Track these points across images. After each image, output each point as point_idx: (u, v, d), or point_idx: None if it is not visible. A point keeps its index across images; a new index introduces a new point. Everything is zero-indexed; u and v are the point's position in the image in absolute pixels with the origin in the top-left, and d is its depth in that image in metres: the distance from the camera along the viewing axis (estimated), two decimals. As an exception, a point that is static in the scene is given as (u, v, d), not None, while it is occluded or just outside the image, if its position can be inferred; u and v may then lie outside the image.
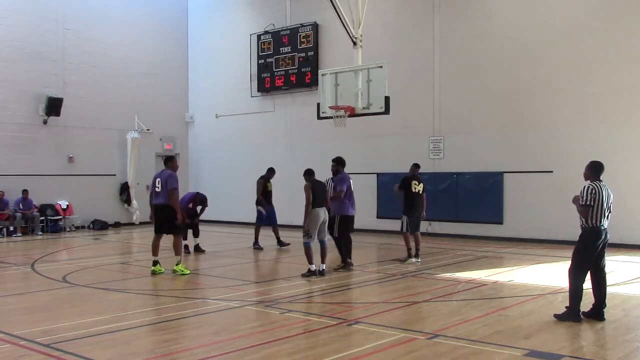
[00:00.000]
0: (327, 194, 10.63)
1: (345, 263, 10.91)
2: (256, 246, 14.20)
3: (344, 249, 11.03)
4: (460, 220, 16.54)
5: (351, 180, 11.19)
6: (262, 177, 14.59)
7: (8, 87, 18.44)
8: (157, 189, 10.55)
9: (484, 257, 12.80)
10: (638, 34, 14.02)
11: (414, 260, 11.75)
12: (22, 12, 18.77)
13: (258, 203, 14.38)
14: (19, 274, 11.37)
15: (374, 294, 9.31)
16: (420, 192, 11.98)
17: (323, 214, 10.31)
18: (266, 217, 14.40)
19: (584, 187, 7.06)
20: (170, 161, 10.89)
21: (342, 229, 10.90)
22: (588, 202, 6.94)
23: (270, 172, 14.74)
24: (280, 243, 14.43)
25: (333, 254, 11.36)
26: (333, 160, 11.26)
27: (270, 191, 14.60)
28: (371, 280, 10.17)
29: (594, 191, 6.97)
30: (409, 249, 11.81)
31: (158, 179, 10.58)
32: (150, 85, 21.82)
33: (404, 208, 11.91)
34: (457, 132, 16.60)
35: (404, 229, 11.81)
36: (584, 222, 7.07)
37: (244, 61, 21.14)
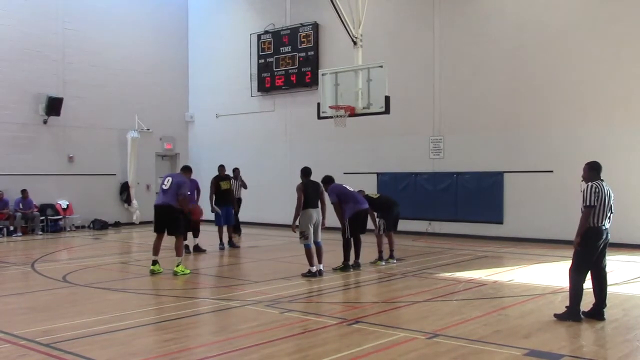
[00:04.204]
0: (323, 195, 10.61)
1: (345, 265, 10.86)
2: (220, 247, 14.19)
3: (354, 249, 10.99)
4: (460, 220, 16.54)
5: (345, 185, 11.22)
6: (214, 177, 14.44)
7: (8, 87, 18.43)
8: (164, 187, 10.58)
9: (484, 256, 12.80)
10: (638, 34, 14.02)
11: (384, 263, 11.55)
12: (22, 12, 18.76)
13: (214, 204, 14.25)
14: (19, 273, 11.37)
15: (374, 293, 9.32)
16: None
17: (316, 214, 10.31)
18: (224, 217, 14.27)
19: (588, 186, 7.05)
20: (189, 172, 11.49)
21: (352, 230, 10.85)
22: (592, 203, 6.92)
23: (221, 169, 14.59)
24: (231, 243, 14.38)
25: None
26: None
27: (227, 190, 14.40)
28: (371, 280, 10.17)
29: (597, 190, 6.96)
30: (380, 252, 11.63)
31: (169, 179, 10.71)
32: (150, 85, 21.82)
33: (380, 212, 11.72)
34: (457, 132, 16.60)
35: (381, 231, 11.60)
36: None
37: (244, 61, 21.14)
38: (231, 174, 15.70)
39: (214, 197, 14.21)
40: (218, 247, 14.19)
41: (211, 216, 14.54)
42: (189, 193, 11.06)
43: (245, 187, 16.20)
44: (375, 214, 11.70)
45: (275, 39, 20.36)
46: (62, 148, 19.68)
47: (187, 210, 10.99)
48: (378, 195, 12.22)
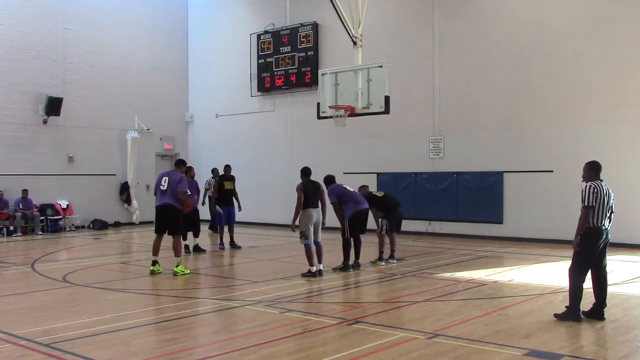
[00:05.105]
0: (323, 194, 10.61)
1: (345, 265, 10.87)
2: (220, 247, 14.14)
3: (354, 249, 11.00)
4: (460, 220, 16.54)
5: (345, 185, 11.24)
6: (219, 177, 14.36)
7: (8, 87, 18.44)
8: (162, 187, 10.55)
9: (483, 256, 12.80)
10: (637, 34, 14.02)
11: (384, 263, 11.53)
12: (22, 12, 18.77)
13: (216, 203, 14.20)
14: (19, 273, 11.37)
15: (374, 293, 9.32)
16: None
17: (316, 214, 10.30)
18: (226, 217, 14.19)
19: (586, 186, 7.04)
20: (183, 165, 11.35)
21: (352, 230, 10.86)
22: (590, 204, 6.92)
23: (227, 169, 14.45)
24: (233, 244, 14.28)
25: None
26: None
27: (230, 190, 14.28)
28: (371, 280, 10.17)
29: (595, 190, 6.95)
30: (381, 252, 11.61)
31: (165, 178, 10.60)
32: (150, 85, 21.82)
33: (383, 212, 11.70)
34: (457, 132, 16.60)
35: (383, 232, 11.60)
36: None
37: (244, 61, 21.14)
38: (211, 174, 15.93)
39: (216, 196, 14.18)
40: (218, 247, 14.19)
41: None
42: (188, 192, 11.01)
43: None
44: (378, 213, 11.68)
45: (275, 39, 20.36)
46: (62, 148, 19.68)
47: (189, 205, 10.91)
48: (382, 193, 12.18)
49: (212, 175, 16.39)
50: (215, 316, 7.74)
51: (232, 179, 14.44)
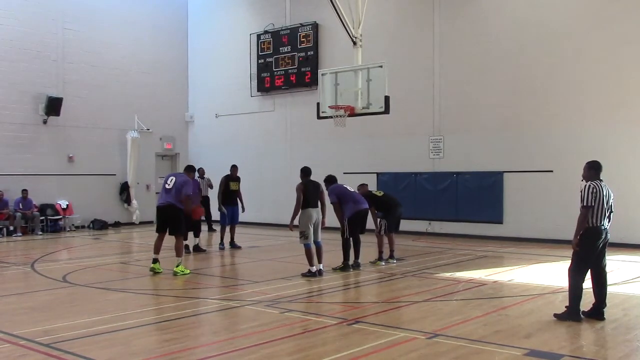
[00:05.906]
0: (323, 194, 10.60)
1: (345, 265, 10.86)
2: (220, 247, 14.12)
3: (354, 249, 10.99)
4: (460, 220, 16.54)
5: (345, 186, 11.22)
6: (225, 177, 14.35)
7: (8, 87, 18.43)
8: (167, 186, 10.58)
9: (483, 256, 12.80)
10: (637, 34, 14.02)
11: (383, 263, 11.51)
12: (22, 12, 18.77)
13: (221, 203, 14.17)
14: (19, 273, 11.37)
15: (374, 293, 9.32)
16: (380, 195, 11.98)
17: (316, 214, 10.30)
18: (229, 217, 14.14)
19: (585, 186, 7.04)
20: (192, 172, 11.64)
21: (352, 230, 10.86)
22: (589, 204, 6.92)
23: (233, 169, 14.40)
24: (232, 244, 14.26)
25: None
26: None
27: (235, 190, 14.26)
28: (371, 280, 10.17)
29: (595, 190, 6.96)
30: (380, 252, 11.60)
31: (172, 178, 10.72)
32: (150, 85, 21.82)
33: (383, 212, 11.69)
34: (457, 132, 16.60)
35: (382, 232, 11.57)
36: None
37: (243, 61, 21.14)
38: (197, 174, 15.84)
39: (221, 196, 14.17)
40: (218, 247, 14.18)
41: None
42: (191, 193, 11.05)
43: (211, 187, 16.32)
44: (377, 213, 11.67)
45: (274, 39, 20.36)
46: (62, 148, 19.68)
47: (189, 210, 10.95)
48: (382, 193, 12.17)
49: (198, 175, 16.25)
50: (215, 316, 7.74)
51: (238, 179, 14.43)
